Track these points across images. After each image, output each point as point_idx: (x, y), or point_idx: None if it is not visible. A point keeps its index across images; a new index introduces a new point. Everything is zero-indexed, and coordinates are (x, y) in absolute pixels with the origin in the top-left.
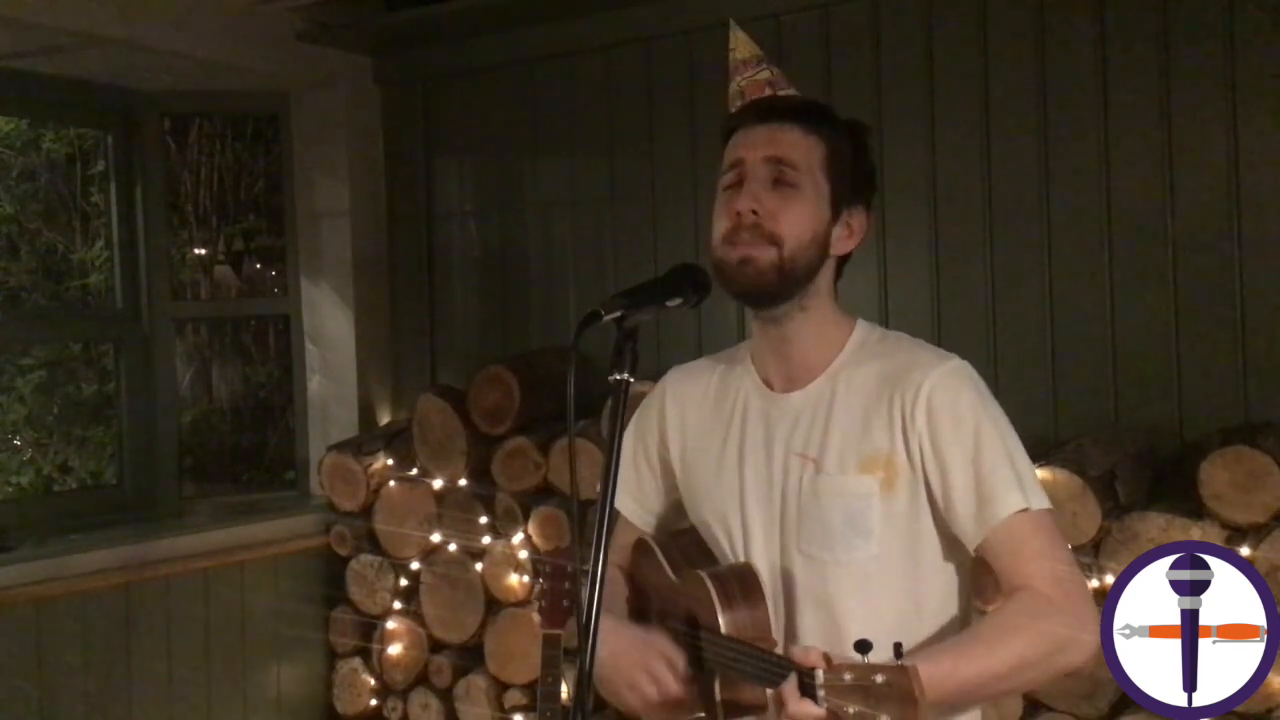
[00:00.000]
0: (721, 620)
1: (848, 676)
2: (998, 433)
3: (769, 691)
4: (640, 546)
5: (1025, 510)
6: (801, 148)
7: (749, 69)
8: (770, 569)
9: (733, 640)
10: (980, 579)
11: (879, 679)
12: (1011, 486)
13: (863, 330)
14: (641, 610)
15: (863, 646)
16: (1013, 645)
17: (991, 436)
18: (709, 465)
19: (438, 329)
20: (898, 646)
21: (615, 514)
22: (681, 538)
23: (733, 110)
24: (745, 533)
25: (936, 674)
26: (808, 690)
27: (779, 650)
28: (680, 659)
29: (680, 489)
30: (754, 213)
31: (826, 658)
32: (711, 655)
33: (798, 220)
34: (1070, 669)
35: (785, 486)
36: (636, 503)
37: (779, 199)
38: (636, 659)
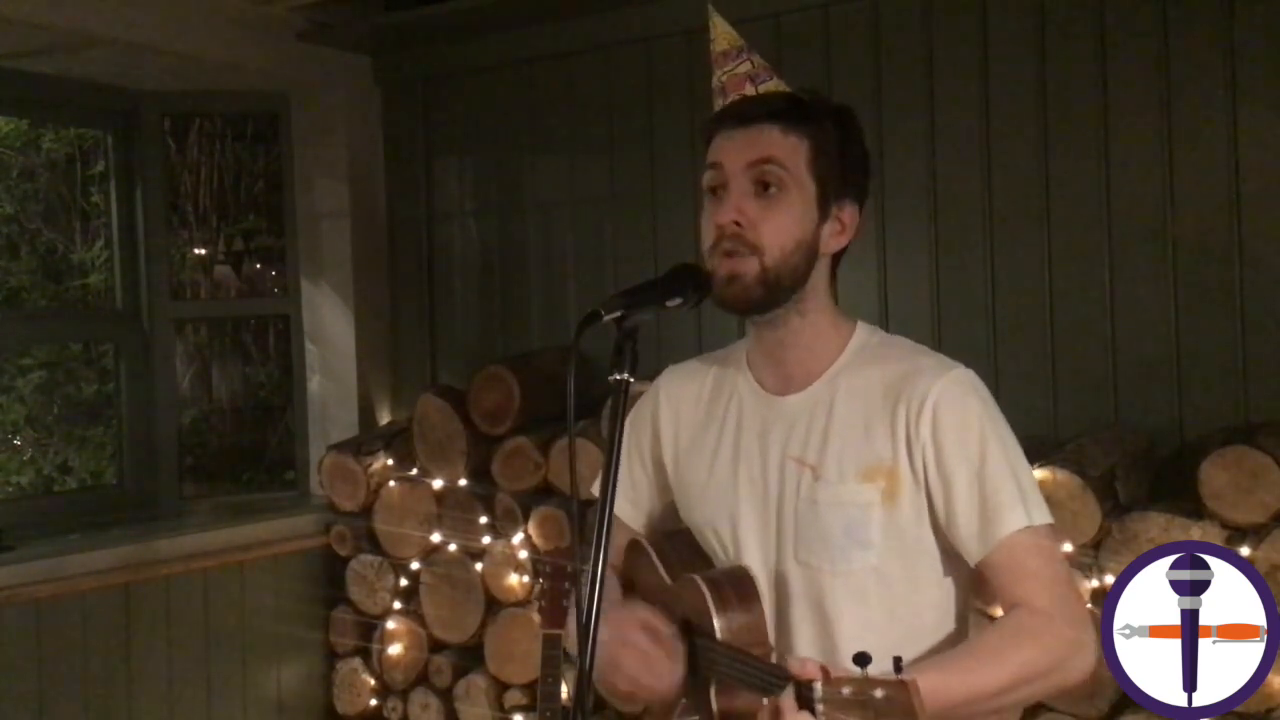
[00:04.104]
0: (716, 625)
1: (846, 690)
2: (1002, 446)
3: (764, 701)
4: (634, 548)
5: (1027, 527)
6: (782, 148)
7: (729, 61)
8: (764, 576)
9: (728, 647)
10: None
11: (878, 693)
12: (1015, 503)
13: (863, 333)
14: None
15: (861, 659)
16: (1012, 660)
17: (996, 451)
18: (702, 468)
19: (438, 329)
20: (897, 661)
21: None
22: (677, 539)
23: (714, 106)
24: (737, 538)
25: (938, 688)
26: (805, 703)
27: (774, 657)
28: (661, 622)
29: (673, 490)
30: (736, 224)
31: (824, 670)
32: (706, 661)
33: (781, 228)
34: (1069, 685)
35: (782, 493)
36: (631, 504)
37: (761, 206)
38: (614, 635)
